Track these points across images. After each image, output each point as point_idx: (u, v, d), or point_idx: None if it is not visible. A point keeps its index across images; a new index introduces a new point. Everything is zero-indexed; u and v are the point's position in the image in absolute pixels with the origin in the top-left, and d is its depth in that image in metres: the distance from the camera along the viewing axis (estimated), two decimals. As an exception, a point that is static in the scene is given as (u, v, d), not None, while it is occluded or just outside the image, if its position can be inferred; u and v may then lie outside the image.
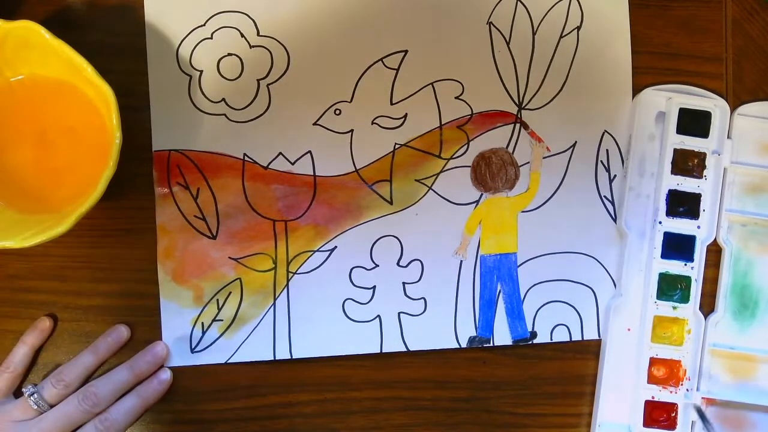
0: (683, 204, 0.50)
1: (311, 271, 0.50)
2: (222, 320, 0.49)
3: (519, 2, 0.51)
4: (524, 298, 0.51)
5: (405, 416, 0.50)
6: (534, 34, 0.51)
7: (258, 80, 0.50)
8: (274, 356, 0.49)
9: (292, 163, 0.50)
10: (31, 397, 0.45)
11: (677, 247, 0.50)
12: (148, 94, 0.49)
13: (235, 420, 0.49)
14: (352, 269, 0.50)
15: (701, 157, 0.50)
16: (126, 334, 0.49)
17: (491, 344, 0.51)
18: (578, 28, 0.51)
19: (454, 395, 0.50)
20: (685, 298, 0.50)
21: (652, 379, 0.49)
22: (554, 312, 0.51)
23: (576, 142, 0.51)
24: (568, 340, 0.51)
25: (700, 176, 0.50)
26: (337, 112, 0.50)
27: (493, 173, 0.51)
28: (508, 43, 0.51)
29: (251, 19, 0.50)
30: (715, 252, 0.51)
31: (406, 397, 0.50)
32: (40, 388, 0.45)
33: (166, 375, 0.48)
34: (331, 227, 0.50)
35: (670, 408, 0.49)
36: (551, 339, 0.51)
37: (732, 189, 0.51)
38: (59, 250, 0.49)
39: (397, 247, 0.50)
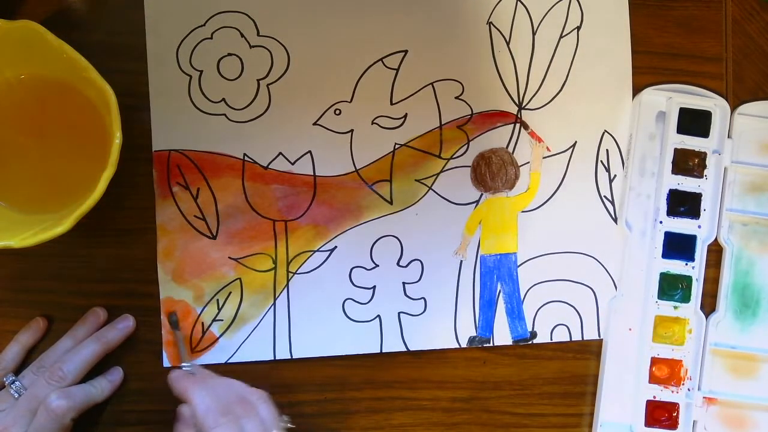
0: (684, 203, 0.50)
1: (311, 271, 0.50)
2: (222, 320, 0.49)
3: (519, 2, 0.51)
4: (524, 298, 0.51)
5: (405, 416, 0.50)
6: (534, 34, 0.51)
7: (258, 80, 0.50)
8: (274, 356, 0.49)
9: (292, 163, 0.50)
10: (12, 386, 0.45)
11: (678, 246, 0.50)
12: (148, 94, 0.49)
13: (234, 420, 0.49)
14: (352, 269, 0.50)
15: (702, 156, 0.50)
16: (103, 317, 0.48)
17: (491, 344, 0.50)
18: (578, 28, 0.51)
19: (454, 395, 0.50)
20: (686, 298, 0.49)
21: (653, 379, 0.49)
22: (554, 312, 0.51)
23: (576, 142, 0.51)
24: (568, 340, 0.51)
25: (700, 176, 0.50)
26: (337, 112, 0.50)
27: (493, 173, 0.51)
28: (508, 43, 0.51)
29: (251, 19, 0.50)
30: (716, 251, 0.51)
31: (406, 397, 0.50)
32: (21, 377, 0.46)
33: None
34: (331, 227, 0.50)
35: (671, 408, 0.49)
36: (551, 339, 0.51)
37: (733, 188, 0.51)
38: (59, 250, 0.49)
39: (397, 247, 0.50)
